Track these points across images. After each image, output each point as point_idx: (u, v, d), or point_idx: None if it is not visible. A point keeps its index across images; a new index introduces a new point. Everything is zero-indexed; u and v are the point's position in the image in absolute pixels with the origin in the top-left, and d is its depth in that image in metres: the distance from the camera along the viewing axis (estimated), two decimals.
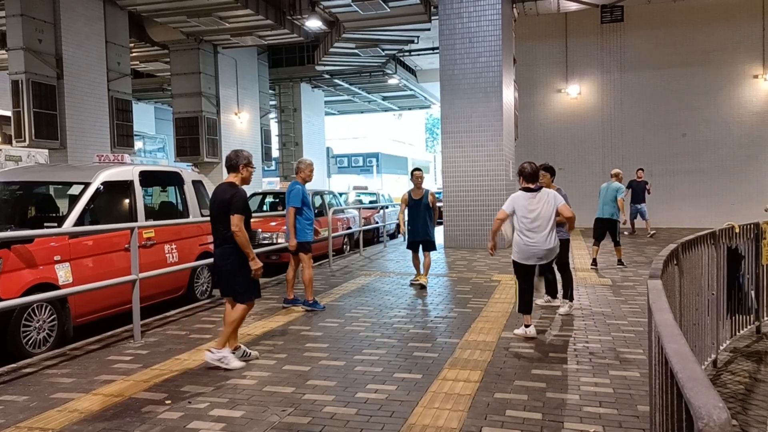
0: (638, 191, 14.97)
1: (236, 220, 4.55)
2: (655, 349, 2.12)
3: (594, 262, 9.71)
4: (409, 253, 8.71)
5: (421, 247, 8.42)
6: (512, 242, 5.66)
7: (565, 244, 6.69)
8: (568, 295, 6.62)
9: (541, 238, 5.42)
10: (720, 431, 1.20)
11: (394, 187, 41.03)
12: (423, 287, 8.20)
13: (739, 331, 5.41)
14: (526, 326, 5.50)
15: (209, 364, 4.66)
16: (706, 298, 4.61)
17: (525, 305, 5.57)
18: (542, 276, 6.67)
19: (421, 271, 8.49)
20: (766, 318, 5.76)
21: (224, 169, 4.99)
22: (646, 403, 3.56)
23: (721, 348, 4.96)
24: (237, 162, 4.75)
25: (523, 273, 5.60)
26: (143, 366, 4.77)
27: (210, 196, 8.32)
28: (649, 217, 15.16)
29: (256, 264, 4.72)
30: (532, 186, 5.54)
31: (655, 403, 2.11)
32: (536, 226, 5.41)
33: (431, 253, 8.47)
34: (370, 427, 3.51)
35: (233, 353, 4.75)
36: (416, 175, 8.47)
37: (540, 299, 6.96)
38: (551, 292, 6.93)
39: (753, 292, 5.47)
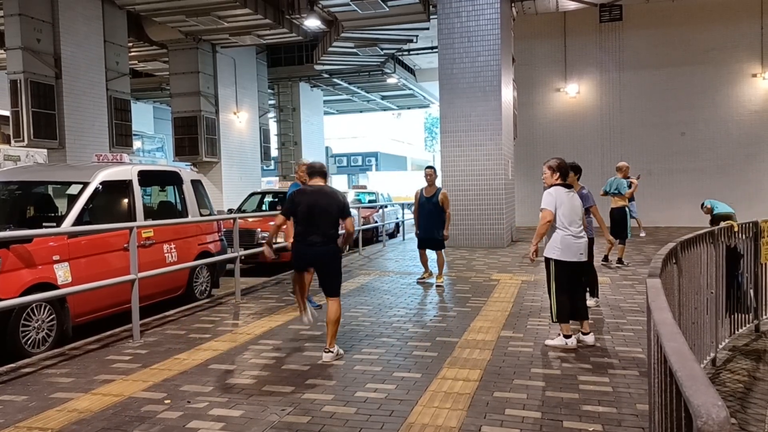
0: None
1: (351, 221, 5.09)
2: (654, 348, 2.12)
3: (605, 259, 10.06)
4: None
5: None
6: (552, 242, 5.17)
7: (589, 243, 6.71)
8: (595, 293, 6.82)
9: (582, 234, 5.24)
10: (719, 429, 1.20)
11: (393, 186, 41.01)
12: (440, 286, 8.21)
13: (738, 330, 5.41)
14: (567, 336, 5.07)
15: (326, 362, 4.78)
16: (705, 297, 4.61)
17: (566, 312, 5.11)
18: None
19: (431, 269, 8.57)
20: (765, 317, 5.77)
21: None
22: (645, 401, 3.56)
23: (720, 346, 4.96)
24: (326, 169, 5.23)
25: (568, 273, 5.15)
26: (142, 366, 4.76)
27: (206, 195, 8.40)
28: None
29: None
30: (565, 182, 5.34)
31: (655, 402, 2.11)
32: (578, 222, 5.22)
33: (442, 251, 8.39)
34: (370, 426, 3.51)
35: (330, 352, 4.91)
36: (427, 172, 8.36)
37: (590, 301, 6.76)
38: (595, 291, 6.88)
39: (752, 291, 5.48)
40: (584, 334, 5.24)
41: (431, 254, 8.54)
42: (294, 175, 7.21)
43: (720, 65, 17.02)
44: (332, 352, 4.85)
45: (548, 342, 5.19)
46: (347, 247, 5.43)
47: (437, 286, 8.23)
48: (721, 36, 16.93)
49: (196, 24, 17.01)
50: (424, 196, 8.28)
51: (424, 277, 8.63)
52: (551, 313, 5.23)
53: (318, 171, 5.12)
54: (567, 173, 5.38)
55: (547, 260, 5.25)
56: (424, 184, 8.42)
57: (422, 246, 8.49)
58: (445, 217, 8.24)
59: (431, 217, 8.22)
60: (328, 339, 4.90)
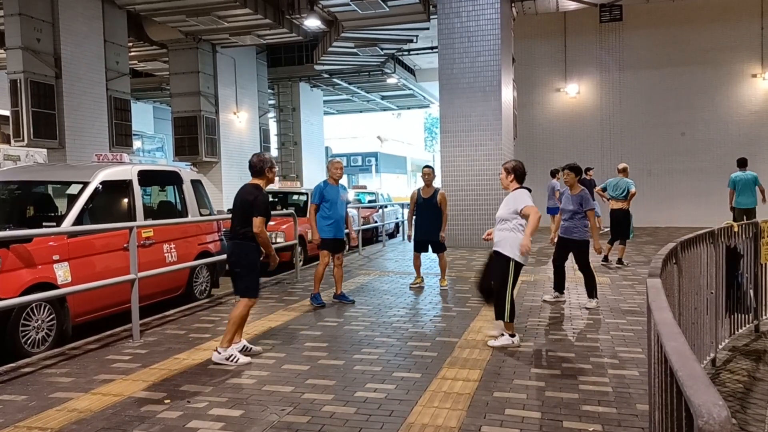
0: (589, 190, 15.18)
1: (258, 222, 4.79)
2: (654, 348, 2.12)
3: (605, 259, 10.06)
4: (409, 252, 8.64)
5: (430, 248, 8.20)
6: (516, 243, 5.15)
7: (584, 245, 6.74)
8: (594, 294, 6.78)
9: None
10: (720, 429, 1.19)
11: (394, 187, 40.99)
12: (444, 288, 8.08)
13: (737, 330, 5.41)
14: (512, 336, 5.16)
15: (214, 362, 4.73)
16: (705, 297, 4.61)
17: (515, 311, 5.21)
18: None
19: (439, 273, 8.45)
20: (764, 317, 5.77)
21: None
22: (645, 401, 3.56)
23: (720, 347, 4.96)
24: (263, 167, 5.02)
25: (518, 275, 5.27)
26: (142, 365, 4.76)
27: (206, 194, 8.40)
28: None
29: (275, 260, 5.12)
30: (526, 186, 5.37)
31: (655, 402, 2.11)
32: None
33: (443, 253, 8.22)
34: (369, 426, 3.50)
35: (218, 352, 4.88)
36: (425, 172, 8.14)
37: (547, 295, 7.13)
38: (561, 287, 7.08)
39: (752, 291, 5.47)
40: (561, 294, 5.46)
41: (425, 259, 8.37)
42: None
43: (720, 65, 17.02)
44: (219, 353, 4.74)
45: (493, 343, 5.13)
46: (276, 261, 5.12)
47: (441, 288, 8.09)
48: (721, 36, 16.94)
49: (196, 24, 17.01)
50: (422, 197, 8.04)
51: (416, 283, 8.32)
52: (504, 314, 5.15)
53: (252, 170, 5.01)
54: (522, 174, 5.36)
55: (507, 260, 5.16)
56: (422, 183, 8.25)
57: (419, 249, 8.26)
58: (443, 218, 8.02)
59: (429, 219, 7.98)
60: (222, 337, 4.83)
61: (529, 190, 5.32)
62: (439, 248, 8.15)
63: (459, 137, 13.13)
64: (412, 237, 8.30)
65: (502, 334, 5.19)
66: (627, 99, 17.77)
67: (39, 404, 3.94)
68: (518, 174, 5.32)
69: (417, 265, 8.39)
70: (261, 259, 4.98)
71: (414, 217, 8.33)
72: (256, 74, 22.68)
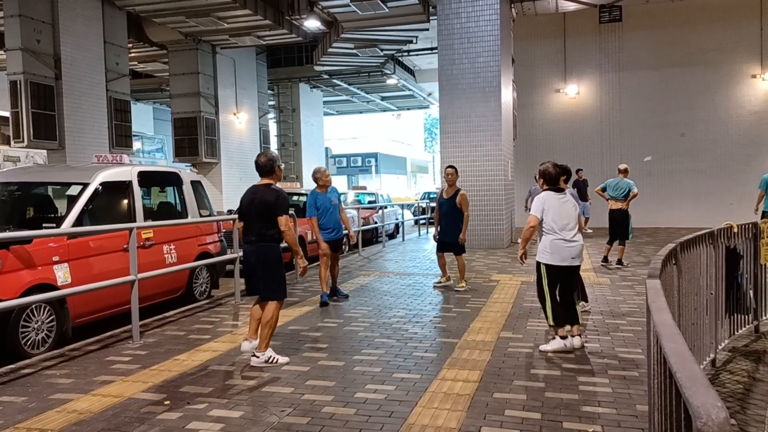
0: (582, 190, 15.21)
1: (285, 221, 4.76)
2: (653, 349, 2.12)
3: (605, 260, 10.02)
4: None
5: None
6: (542, 246, 5.17)
7: None
8: (581, 295, 6.61)
9: (576, 237, 5.22)
10: (719, 430, 1.20)
11: (394, 187, 41.02)
12: (458, 290, 7.93)
13: (737, 331, 5.41)
14: (563, 338, 4.98)
15: (253, 366, 4.69)
16: (704, 298, 4.62)
17: (561, 314, 5.08)
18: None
19: (448, 273, 8.36)
20: (764, 317, 5.77)
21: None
22: (645, 402, 3.56)
23: (720, 347, 4.96)
24: (273, 165, 4.94)
25: (559, 277, 5.13)
26: (142, 366, 4.76)
27: (206, 195, 8.41)
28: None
29: (303, 262, 4.97)
30: (556, 187, 5.33)
31: (654, 403, 2.11)
32: (571, 226, 5.17)
33: (461, 255, 8.11)
34: (369, 427, 3.51)
35: (256, 357, 4.85)
36: (447, 172, 8.14)
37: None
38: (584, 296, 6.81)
39: (751, 292, 5.48)
40: (571, 336, 5.19)
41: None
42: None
43: (719, 66, 17.04)
44: (258, 357, 4.72)
45: (544, 347, 5.07)
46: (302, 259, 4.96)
47: (456, 290, 7.94)
48: (720, 37, 16.95)
49: (195, 25, 17.02)
50: (443, 197, 8.06)
51: (441, 282, 8.31)
52: (546, 317, 5.18)
53: (262, 169, 4.90)
54: (551, 178, 5.32)
55: (538, 264, 5.22)
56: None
57: (440, 249, 8.21)
58: (464, 219, 7.92)
59: (448, 220, 7.96)
60: (259, 342, 4.79)
61: (559, 191, 5.27)
62: (456, 250, 8.05)
63: (459, 138, 13.14)
64: (437, 237, 8.24)
65: (554, 338, 5.09)
66: (627, 100, 17.78)
67: (39, 405, 3.94)
68: (547, 178, 5.31)
69: (441, 264, 8.35)
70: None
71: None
72: (255, 75, 22.71)
